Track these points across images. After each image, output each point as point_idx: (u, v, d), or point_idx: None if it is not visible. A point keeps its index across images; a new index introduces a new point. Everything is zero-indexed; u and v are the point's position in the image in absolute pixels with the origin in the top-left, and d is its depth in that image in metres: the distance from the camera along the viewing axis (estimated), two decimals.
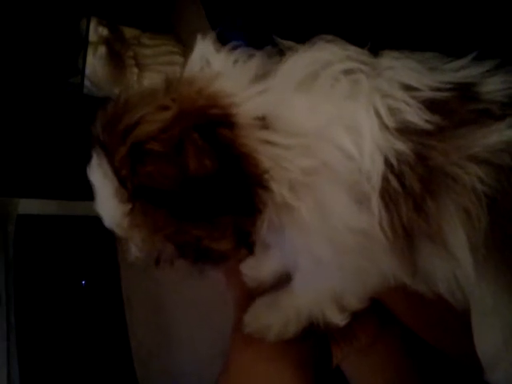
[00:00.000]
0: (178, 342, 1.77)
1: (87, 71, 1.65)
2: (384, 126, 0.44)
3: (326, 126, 0.44)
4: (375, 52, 0.51)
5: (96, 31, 1.65)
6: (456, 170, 0.43)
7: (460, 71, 0.48)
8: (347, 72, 0.47)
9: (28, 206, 1.86)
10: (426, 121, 0.44)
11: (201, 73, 0.50)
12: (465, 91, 0.46)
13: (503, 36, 0.61)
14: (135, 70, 1.72)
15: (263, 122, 0.45)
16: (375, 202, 0.44)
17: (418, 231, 0.44)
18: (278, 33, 0.67)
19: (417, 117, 0.44)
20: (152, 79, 1.75)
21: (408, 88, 0.46)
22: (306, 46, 0.51)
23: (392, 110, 0.45)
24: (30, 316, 1.75)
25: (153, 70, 1.76)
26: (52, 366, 1.76)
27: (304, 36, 0.54)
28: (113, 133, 0.46)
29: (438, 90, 0.46)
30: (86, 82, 1.68)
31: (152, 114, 0.45)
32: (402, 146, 0.44)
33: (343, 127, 0.44)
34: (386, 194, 0.44)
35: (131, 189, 0.45)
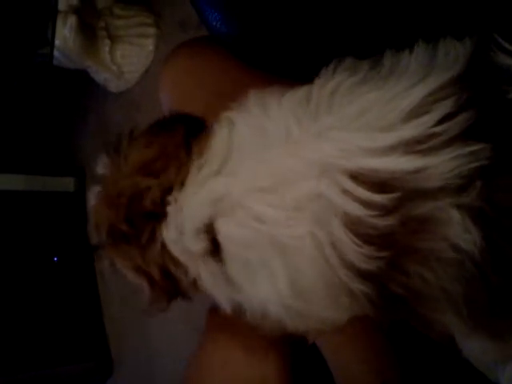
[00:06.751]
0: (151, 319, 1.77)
1: (57, 42, 1.60)
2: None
3: None
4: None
5: (66, 0, 1.60)
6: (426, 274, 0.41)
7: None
8: None
9: None
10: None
11: None
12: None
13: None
14: (107, 41, 1.68)
15: None
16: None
17: None
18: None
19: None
20: (125, 51, 1.71)
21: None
22: None
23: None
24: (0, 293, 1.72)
25: (125, 42, 1.71)
26: (24, 343, 1.74)
27: None
28: None
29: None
30: (57, 54, 1.63)
31: None
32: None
33: None
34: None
35: None
